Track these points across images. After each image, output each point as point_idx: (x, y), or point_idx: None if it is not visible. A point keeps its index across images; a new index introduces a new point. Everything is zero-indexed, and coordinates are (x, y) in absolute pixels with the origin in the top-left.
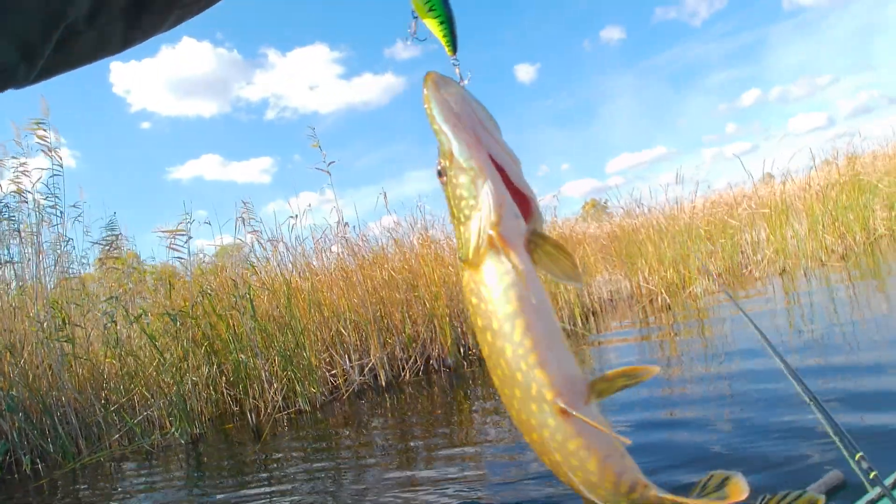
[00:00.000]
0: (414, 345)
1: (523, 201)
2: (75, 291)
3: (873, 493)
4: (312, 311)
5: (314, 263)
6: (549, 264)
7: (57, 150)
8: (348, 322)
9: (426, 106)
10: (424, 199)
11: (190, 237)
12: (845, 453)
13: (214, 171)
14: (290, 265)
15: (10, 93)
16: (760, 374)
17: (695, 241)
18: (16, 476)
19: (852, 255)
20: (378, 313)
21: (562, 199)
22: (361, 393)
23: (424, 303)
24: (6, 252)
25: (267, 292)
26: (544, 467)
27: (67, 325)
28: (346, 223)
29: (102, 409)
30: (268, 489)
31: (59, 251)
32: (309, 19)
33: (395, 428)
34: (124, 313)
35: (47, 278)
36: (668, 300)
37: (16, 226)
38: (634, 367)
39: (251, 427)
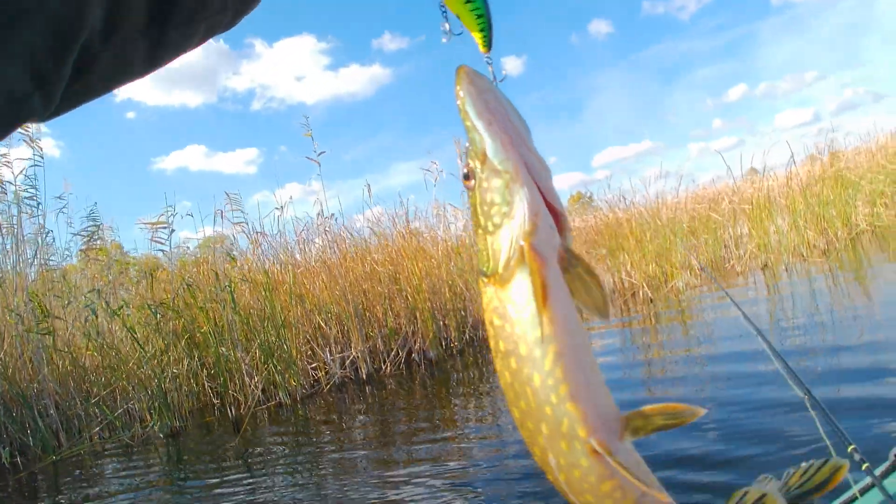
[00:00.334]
0: (395, 338)
1: (554, 215)
2: (56, 283)
3: (863, 482)
4: (294, 303)
5: (297, 256)
6: (579, 290)
7: (38, 140)
8: (330, 315)
9: (459, 102)
10: (409, 191)
11: (173, 229)
12: (832, 451)
13: (199, 161)
14: (272, 257)
15: None
16: (746, 374)
17: (678, 235)
18: None
19: (833, 250)
20: (360, 306)
21: None
22: (342, 386)
23: (406, 296)
24: None
25: (248, 285)
26: (527, 462)
27: (48, 318)
28: (332, 214)
29: (83, 403)
30: (248, 482)
31: (39, 243)
32: (296, 9)
33: (376, 421)
34: (104, 306)
35: (27, 270)
36: (650, 294)
37: None
38: (677, 405)
39: (231, 420)
